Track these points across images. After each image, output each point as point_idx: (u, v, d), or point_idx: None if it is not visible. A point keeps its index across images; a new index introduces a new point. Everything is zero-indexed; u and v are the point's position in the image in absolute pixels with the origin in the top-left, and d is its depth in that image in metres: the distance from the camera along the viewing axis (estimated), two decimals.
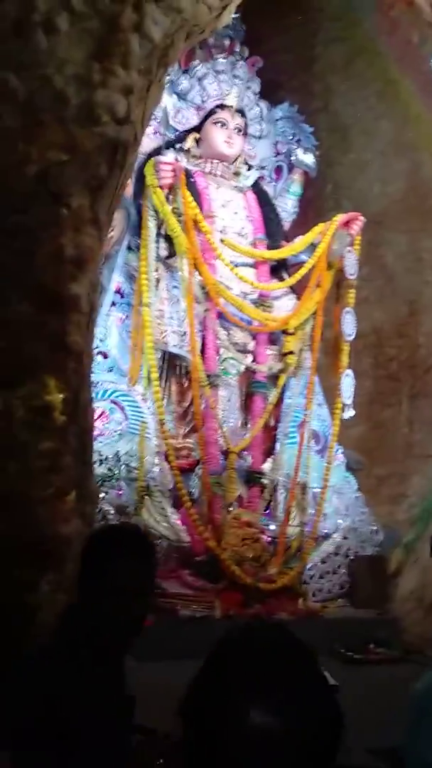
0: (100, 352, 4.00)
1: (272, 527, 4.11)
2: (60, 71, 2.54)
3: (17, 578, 2.63)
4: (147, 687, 1.61)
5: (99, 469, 3.48)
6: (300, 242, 4.61)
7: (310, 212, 5.40)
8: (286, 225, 5.02)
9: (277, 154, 5.13)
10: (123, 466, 3.54)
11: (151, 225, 4.00)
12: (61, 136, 2.52)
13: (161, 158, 4.09)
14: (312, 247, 4.62)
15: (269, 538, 4.08)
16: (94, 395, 3.95)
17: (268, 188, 5.05)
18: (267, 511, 4.22)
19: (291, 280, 4.49)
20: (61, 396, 2.60)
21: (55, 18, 2.57)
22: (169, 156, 4.14)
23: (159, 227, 4.06)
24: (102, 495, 3.48)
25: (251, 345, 4.35)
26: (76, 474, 2.73)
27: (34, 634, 2.52)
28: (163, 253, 4.13)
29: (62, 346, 2.58)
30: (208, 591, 3.65)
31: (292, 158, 5.06)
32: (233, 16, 3.73)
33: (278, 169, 5.14)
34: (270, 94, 5.59)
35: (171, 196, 4.06)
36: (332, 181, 5.70)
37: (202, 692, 0.78)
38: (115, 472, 3.48)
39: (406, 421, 5.51)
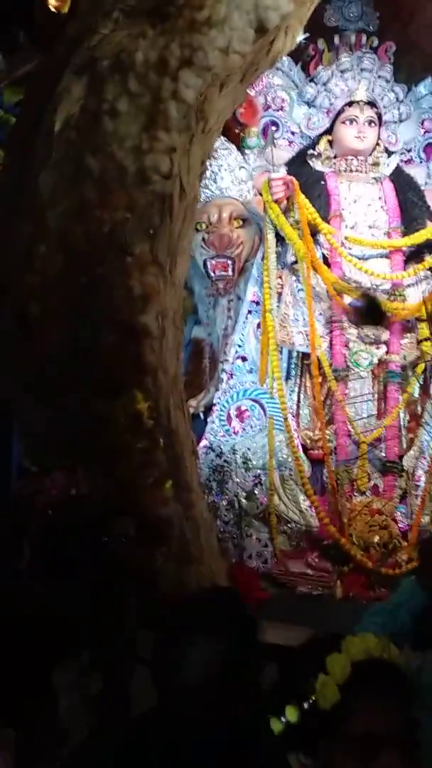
0: (240, 357, 4.53)
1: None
2: (121, 146, 3.17)
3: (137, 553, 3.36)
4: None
5: (217, 461, 4.05)
6: None
7: None
8: None
9: (426, 132, 4.97)
10: (239, 458, 4.05)
11: (270, 237, 4.38)
12: (123, 200, 3.16)
13: (273, 175, 4.42)
14: None
15: (406, 527, 4.14)
16: (235, 395, 4.52)
17: (418, 170, 4.94)
18: (405, 500, 4.27)
19: (420, 267, 4.41)
20: (146, 405, 3.26)
21: (118, 103, 3.21)
22: (280, 172, 4.44)
23: (283, 237, 4.41)
24: (229, 482, 4.06)
25: (386, 335, 4.41)
26: (168, 467, 3.36)
27: (153, 598, 3.15)
28: (291, 259, 4.46)
29: (140, 366, 3.23)
30: (329, 572, 3.92)
31: None
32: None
33: (429, 147, 4.99)
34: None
35: (290, 207, 4.37)
36: None
37: None
38: (231, 464, 4.01)
39: None
